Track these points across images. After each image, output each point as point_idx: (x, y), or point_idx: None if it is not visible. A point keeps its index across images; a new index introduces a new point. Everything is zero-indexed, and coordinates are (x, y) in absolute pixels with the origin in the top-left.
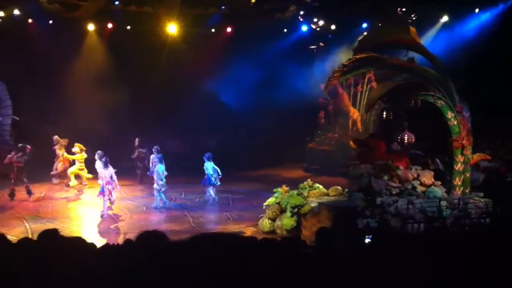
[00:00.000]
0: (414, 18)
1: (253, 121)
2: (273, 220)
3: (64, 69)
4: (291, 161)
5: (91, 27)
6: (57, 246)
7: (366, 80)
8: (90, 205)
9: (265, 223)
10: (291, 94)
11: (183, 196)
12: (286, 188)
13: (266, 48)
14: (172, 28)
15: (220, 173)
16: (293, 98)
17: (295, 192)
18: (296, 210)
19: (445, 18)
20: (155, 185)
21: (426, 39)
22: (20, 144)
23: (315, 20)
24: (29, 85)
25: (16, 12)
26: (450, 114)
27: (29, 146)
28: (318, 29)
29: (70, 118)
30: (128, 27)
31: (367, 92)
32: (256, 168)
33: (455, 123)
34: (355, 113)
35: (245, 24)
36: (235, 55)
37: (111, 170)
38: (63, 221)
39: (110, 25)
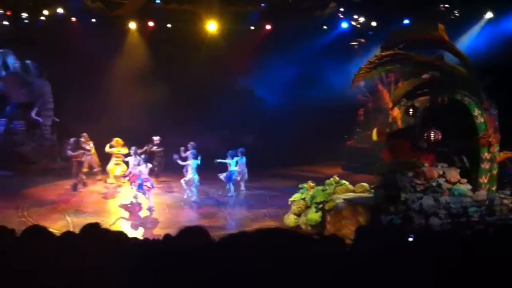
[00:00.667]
0: (457, 15)
1: (291, 118)
2: (298, 215)
3: (105, 67)
4: (329, 159)
5: (132, 25)
6: (99, 240)
7: None
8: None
9: (290, 218)
10: (329, 91)
11: (220, 192)
12: (312, 184)
13: (305, 45)
14: (211, 26)
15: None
16: (332, 95)
17: (320, 188)
18: (320, 206)
19: (489, 15)
20: (184, 180)
21: (469, 36)
22: (73, 139)
23: (356, 16)
24: (71, 83)
25: (60, 10)
26: (477, 112)
27: (82, 139)
28: (358, 26)
29: (111, 116)
30: (169, 25)
31: None
32: (293, 165)
33: (482, 120)
34: (395, 111)
35: (284, 22)
36: (274, 52)
37: (147, 167)
38: (103, 215)
39: (151, 24)
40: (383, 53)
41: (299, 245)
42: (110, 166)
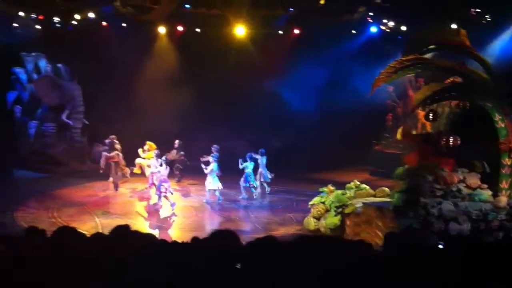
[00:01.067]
0: (489, 19)
1: (319, 122)
2: (318, 219)
3: (135, 70)
4: (357, 164)
5: (162, 29)
6: (129, 242)
7: None
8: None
9: (310, 222)
10: (357, 96)
11: (245, 196)
12: (332, 188)
13: (334, 49)
14: (240, 30)
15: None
16: (360, 100)
17: (340, 192)
18: (340, 209)
19: None
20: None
21: (501, 40)
22: (108, 140)
23: (385, 21)
24: (101, 86)
25: (91, 15)
26: (497, 117)
27: (115, 140)
28: (387, 30)
29: (140, 119)
30: (197, 30)
31: None
32: (321, 170)
33: (503, 125)
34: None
35: (312, 26)
36: (302, 56)
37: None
38: (131, 217)
39: (180, 28)
40: (403, 58)
41: (331, 251)
42: (139, 160)
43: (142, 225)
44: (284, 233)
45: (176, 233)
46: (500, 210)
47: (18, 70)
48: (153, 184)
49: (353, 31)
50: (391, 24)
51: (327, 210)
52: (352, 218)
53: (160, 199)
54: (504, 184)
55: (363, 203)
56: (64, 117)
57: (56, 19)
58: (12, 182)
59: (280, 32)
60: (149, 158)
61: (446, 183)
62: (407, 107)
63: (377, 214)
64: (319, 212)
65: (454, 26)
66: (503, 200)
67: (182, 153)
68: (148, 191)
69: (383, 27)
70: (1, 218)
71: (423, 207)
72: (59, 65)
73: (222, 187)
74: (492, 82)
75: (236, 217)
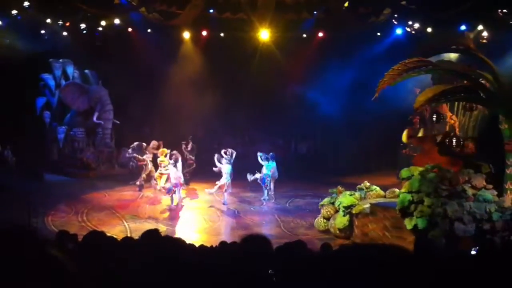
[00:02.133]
0: None
1: (346, 126)
2: (328, 219)
3: (161, 75)
4: (384, 167)
5: (186, 35)
6: (159, 246)
7: None
8: (184, 207)
9: (320, 222)
10: (384, 99)
11: (273, 200)
12: (341, 189)
13: (359, 52)
14: (264, 34)
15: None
16: (386, 103)
17: (348, 193)
18: (348, 210)
19: None
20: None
21: None
22: (136, 143)
23: (410, 23)
24: (130, 91)
25: (117, 21)
26: (501, 118)
27: (144, 144)
28: (413, 32)
29: (167, 122)
30: (222, 34)
31: None
32: (348, 174)
33: (506, 126)
34: (452, 118)
35: (337, 29)
36: (327, 60)
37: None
38: (159, 221)
39: (204, 33)
40: (406, 61)
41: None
42: (156, 175)
43: (169, 229)
44: (311, 237)
45: (203, 237)
46: (505, 210)
47: (47, 76)
48: (179, 184)
49: (378, 34)
50: (416, 25)
51: (336, 211)
52: (361, 218)
53: (173, 198)
54: (509, 185)
55: (371, 203)
56: (94, 118)
57: (83, 25)
58: (43, 186)
59: (304, 35)
60: (160, 162)
61: (451, 184)
62: (435, 111)
63: (384, 214)
64: (328, 213)
65: (480, 27)
66: (507, 200)
67: (192, 157)
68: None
69: (408, 29)
70: (32, 222)
71: (428, 207)
72: (87, 71)
73: (231, 191)
74: (495, 83)
75: (264, 222)
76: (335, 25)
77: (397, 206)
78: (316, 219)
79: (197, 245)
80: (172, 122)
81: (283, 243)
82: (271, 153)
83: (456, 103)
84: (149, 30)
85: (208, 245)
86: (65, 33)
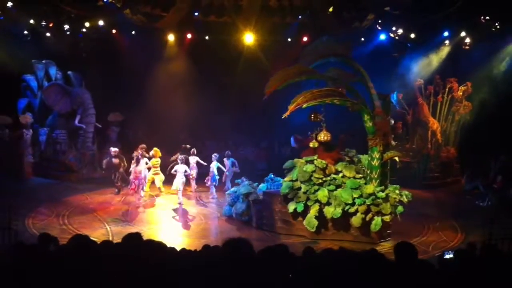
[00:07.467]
0: (498, 26)
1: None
2: (232, 206)
3: (145, 78)
4: None
5: (171, 37)
6: (140, 249)
7: (447, 90)
8: (165, 210)
9: (224, 208)
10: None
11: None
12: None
13: None
14: (249, 38)
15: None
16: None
17: (247, 182)
18: (247, 197)
19: None
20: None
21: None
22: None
23: (394, 28)
24: (110, 93)
25: (101, 23)
26: (366, 117)
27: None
28: (397, 37)
29: (151, 125)
30: (206, 37)
31: (447, 103)
32: None
33: (371, 124)
34: (434, 124)
35: (322, 33)
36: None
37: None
38: (141, 224)
39: (189, 36)
40: (288, 68)
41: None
42: (149, 176)
43: (151, 232)
44: (294, 241)
45: (185, 241)
46: (367, 196)
47: (29, 77)
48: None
49: (362, 39)
50: (400, 31)
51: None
52: (257, 204)
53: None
54: (373, 174)
55: (263, 191)
56: (76, 122)
57: (66, 26)
58: (24, 188)
59: (289, 39)
60: (154, 164)
61: (325, 174)
62: (417, 115)
63: (273, 200)
64: (232, 201)
65: (463, 33)
66: (370, 188)
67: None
68: (154, 199)
69: (392, 35)
70: (12, 225)
71: (304, 193)
72: (69, 72)
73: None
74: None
75: (245, 225)
76: (319, 30)
77: (281, 192)
78: (224, 206)
79: (178, 248)
80: (155, 125)
81: (266, 247)
82: (227, 151)
83: (439, 108)
84: (133, 32)
85: (192, 248)
86: (48, 34)
